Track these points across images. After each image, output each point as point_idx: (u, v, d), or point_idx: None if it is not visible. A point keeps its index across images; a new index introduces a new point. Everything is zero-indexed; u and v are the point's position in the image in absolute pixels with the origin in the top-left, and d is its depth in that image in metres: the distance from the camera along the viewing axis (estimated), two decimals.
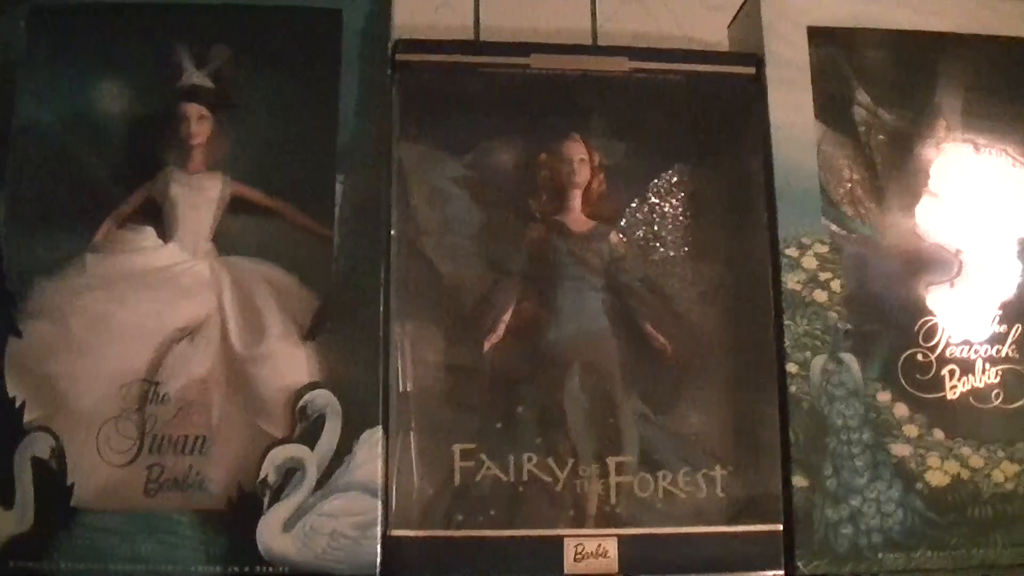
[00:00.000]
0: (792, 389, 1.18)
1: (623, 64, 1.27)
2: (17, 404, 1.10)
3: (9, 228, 1.15)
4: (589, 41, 1.51)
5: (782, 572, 1.16)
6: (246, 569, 1.09)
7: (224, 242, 1.21)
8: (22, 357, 1.12)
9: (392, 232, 1.18)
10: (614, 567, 1.14)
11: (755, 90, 1.27)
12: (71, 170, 1.21)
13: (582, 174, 1.25)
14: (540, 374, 1.20)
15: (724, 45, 1.40)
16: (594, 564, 1.14)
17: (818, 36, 1.29)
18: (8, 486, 1.08)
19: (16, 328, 1.12)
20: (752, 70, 1.28)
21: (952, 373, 1.24)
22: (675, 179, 1.28)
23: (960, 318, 1.26)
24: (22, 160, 1.17)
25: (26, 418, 1.10)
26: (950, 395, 1.23)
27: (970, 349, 1.25)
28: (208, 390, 1.14)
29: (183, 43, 1.23)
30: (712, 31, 1.44)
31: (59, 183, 1.19)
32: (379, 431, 1.12)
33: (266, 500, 1.10)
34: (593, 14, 1.52)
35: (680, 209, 1.27)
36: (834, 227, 1.26)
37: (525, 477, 1.16)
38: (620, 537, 1.15)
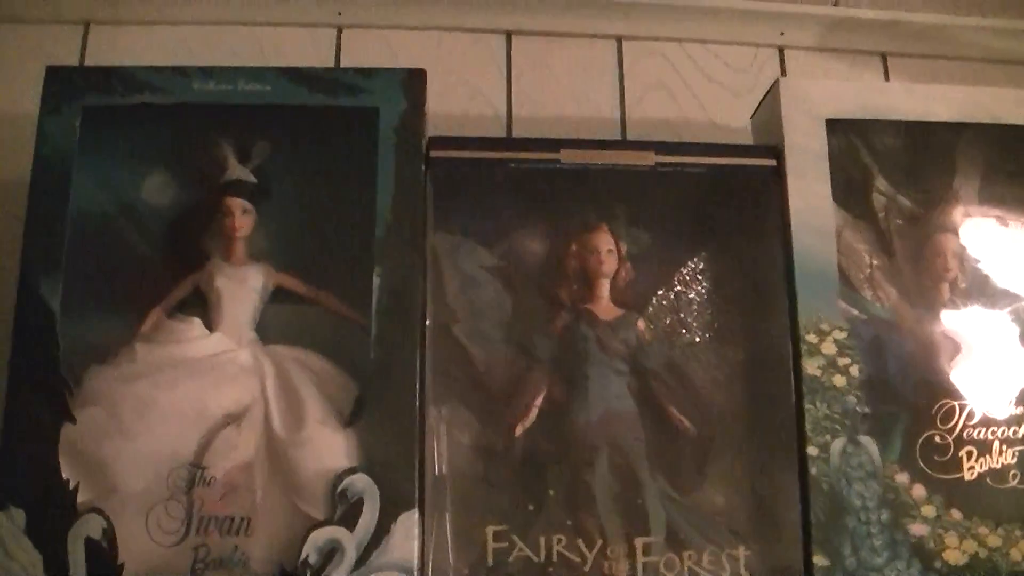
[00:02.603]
0: (813, 471, 1.21)
1: (649, 158, 1.31)
2: (71, 486, 1.14)
3: (65, 315, 1.19)
4: (617, 128, 1.56)
5: None
6: None
7: (266, 331, 1.26)
8: (75, 441, 1.16)
9: (427, 320, 1.22)
10: None
11: (775, 180, 1.31)
12: (121, 259, 1.26)
13: (610, 263, 1.30)
14: (569, 456, 1.23)
15: (747, 132, 1.44)
16: None
17: (836, 126, 1.33)
18: (63, 565, 1.11)
19: (70, 414, 1.16)
20: (772, 161, 1.32)
21: (970, 454, 1.26)
22: (699, 267, 1.32)
23: (978, 400, 1.28)
24: (76, 249, 1.21)
25: (79, 499, 1.14)
26: (968, 476, 1.26)
27: (987, 430, 1.27)
28: (252, 473, 1.18)
29: (227, 139, 1.29)
30: (736, 116, 1.49)
31: (110, 272, 1.25)
32: (415, 513, 1.15)
33: None
34: (622, 102, 1.56)
35: (704, 296, 1.32)
36: (854, 311, 1.30)
37: (555, 558, 1.19)
38: None
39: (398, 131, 1.25)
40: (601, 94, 1.58)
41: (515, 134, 1.53)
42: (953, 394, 1.28)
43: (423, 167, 1.26)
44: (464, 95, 1.54)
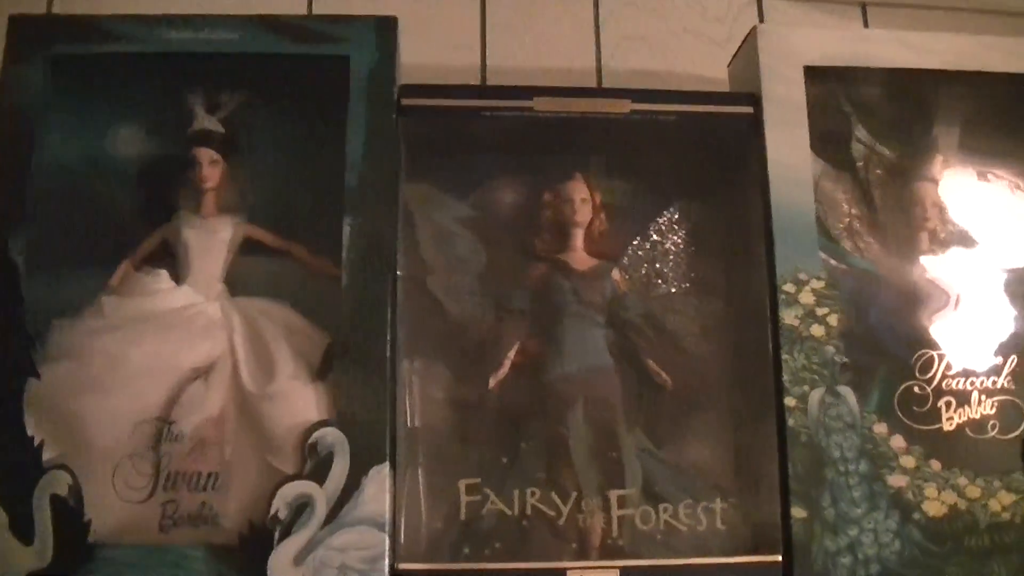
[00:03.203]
0: (790, 422, 1.20)
1: (624, 106, 1.28)
2: (36, 443, 1.12)
3: (30, 270, 1.17)
4: (593, 78, 1.53)
5: None
6: None
7: (236, 283, 1.24)
8: (41, 397, 1.14)
9: (399, 272, 1.20)
10: None
11: (753, 129, 1.29)
12: (89, 213, 1.24)
13: (584, 213, 1.28)
14: (544, 410, 1.22)
15: (725, 81, 1.42)
16: None
17: (815, 74, 1.31)
18: (28, 523, 1.10)
19: (35, 369, 1.15)
20: (750, 109, 1.30)
21: (949, 405, 1.25)
22: (676, 217, 1.31)
23: (957, 350, 1.27)
24: (42, 202, 1.19)
25: (45, 456, 1.12)
26: (947, 426, 1.25)
27: (966, 381, 1.26)
28: (221, 428, 1.17)
29: (195, 89, 1.27)
30: (714, 67, 1.45)
31: (77, 226, 1.23)
32: (386, 467, 1.13)
33: (277, 535, 1.11)
34: (597, 53, 1.54)
35: (681, 246, 1.30)
36: (832, 261, 1.28)
37: (529, 511, 1.18)
38: (622, 569, 1.16)
39: (370, 79, 1.23)
40: (577, 45, 1.56)
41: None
42: (932, 344, 1.27)
43: (395, 116, 1.23)
44: (439, 46, 1.51)
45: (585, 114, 1.29)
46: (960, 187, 1.35)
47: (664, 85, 1.47)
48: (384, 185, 1.21)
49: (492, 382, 1.23)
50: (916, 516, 1.20)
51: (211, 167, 1.25)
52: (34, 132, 1.20)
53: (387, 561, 1.12)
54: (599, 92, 1.45)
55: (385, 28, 1.25)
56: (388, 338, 1.16)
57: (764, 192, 1.26)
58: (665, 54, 1.56)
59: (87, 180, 1.25)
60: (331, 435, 1.14)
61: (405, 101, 1.25)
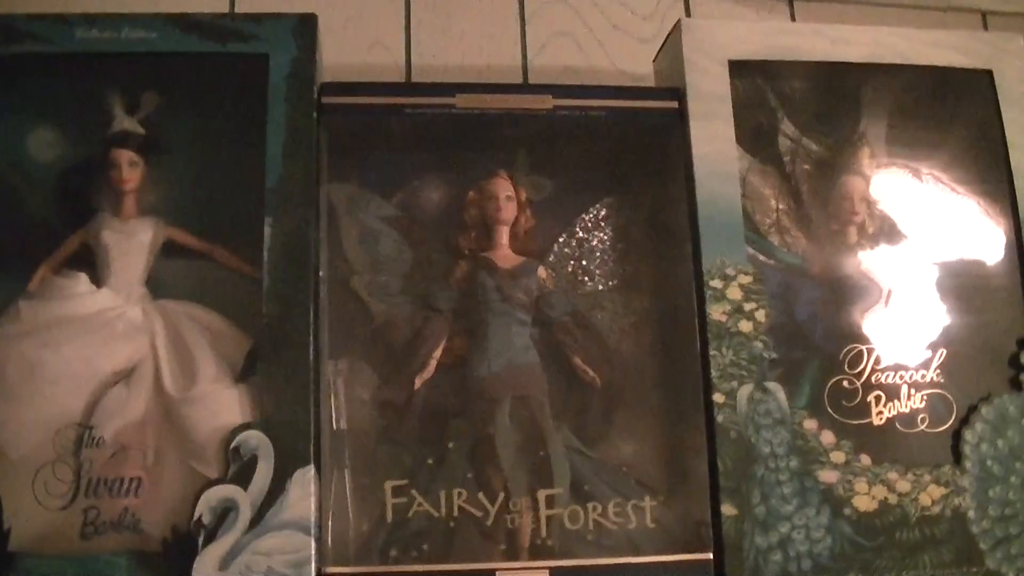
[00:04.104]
0: (719, 419, 1.20)
1: (547, 101, 1.28)
2: None
3: None
4: (520, 76, 1.52)
5: None
6: None
7: (157, 286, 1.22)
8: None
9: (320, 272, 1.19)
10: None
11: (677, 123, 1.29)
12: (6, 216, 1.22)
13: (509, 210, 1.27)
14: (471, 409, 1.21)
15: (651, 78, 1.41)
16: None
17: (740, 68, 1.31)
18: None
19: None
20: (675, 104, 1.30)
21: (878, 399, 1.25)
22: (602, 213, 1.30)
23: (886, 344, 1.28)
24: None
25: None
26: (876, 421, 1.25)
27: (896, 375, 1.27)
28: (143, 433, 1.15)
29: (113, 90, 1.25)
30: (641, 64, 1.45)
31: None
32: (311, 470, 1.12)
33: (201, 540, 1.10)
34: (523, 49, 1.53)
35: (607, 243, 1.29)
36: (760, 256, 1.28)
37: (456, 512, 1.17)
38: (552, 569, 1.15)
39: (289, 79, 1.22)
40: (503, 42, 1.55)
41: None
42: (861, 339, 1.28)
43: (315, 115, 1.22)
44: (362, 44, 1.50)
45: (508, 110, 1.28)
46: (888, 181, 1.35)
47: (591, 82, 1.47)
48: (304, 185, 1.20)
49: (418, 382, 1.22)
50: (847, 511, 1.20)
51: (130, 168, 1.23)
52: None
53: (313, 565, 1.11)
54: (522, 88, 1.44)
55: (305, 26, 1.24)
56: (311, 339, 1.15)
57: (689, 186, 1.26)
58: (592, 51, 1.55)
59: (5, 184, 1.23)
60: (254, 438, 1.12)
61: (326, 99, 1.24)
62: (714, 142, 1.27)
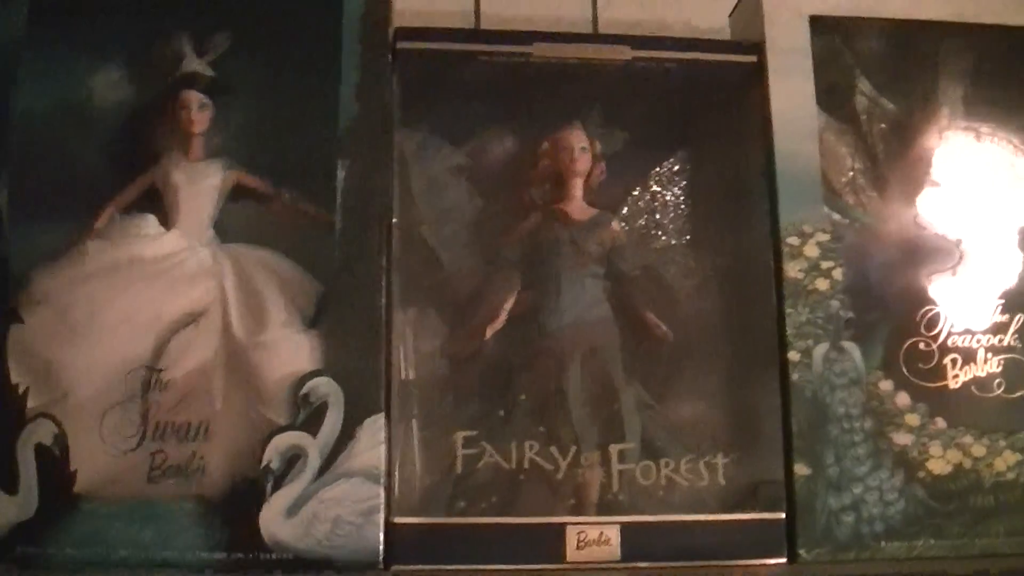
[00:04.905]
0: (794, 377, 1.19)
1: (624, 52, 1.27)
2: (20, 391, 1.10)
3: (12, 215, 1.15)
4: (589, 30, 1.50)
5: (784, 560, 1.17)
6: (249, 556, 1.09)
7: (225, 229, 1.20)
8: (25, 344, 1.12)
9: (394, 220, 1.17)
10: (616, 555, 1.14)
11: (756, 78, 1.28)
12: (73, 158, 1.20)
13: (583, 162, 1.25)
14: (541, 362, 1.20)
15: (725, 33, 1.40)
16: (596, 552, 1.14)
17: (819, 25, 1.29)
18: (12, 473, 1.08)
19: (18, 315, 1.12)
20: (753, 58, 1.28)
21: (954, 362, 1.24)
22: (676, 167, 1.27)
23: (962, 307, 1.26)
24: (24, 147, 1.17)
25: (29, 405, 1.10)
26: (952, 384, 1.23)
27: (972, 338, 1.25)
28: (210, 377, 1.14)
29: (183, 31, 1.23)
30: (713, 19, 1.43)
31: (61, 170, 1.19)
32: (381, 418, 1.12)
33: (268, 487, 1.10)
34: (594, 2, 1.51)
35: (681, 197, 1.27)
36: (835, 216, 1.26)
37: (527, 465, 1.16)
38: (622, 525, 1.15)
39: (363, 20, 1.21)
40: None
41: None
42: (936, 301, 1.26)
43: (389, 58, 1.21)
44: None
45: (584, 61, 1.27)
46: (965, 142, 1.32)
47: (662, 35, 1.43)
48: (378, 129, 1.19)
49: (488, 333, 1.20)
50: (920, 474, 1.19)
51: (200, 111, 1.21)
52: (14, 75, 1.18)
53: (382, 514, 1.10)
54: (599, 39, 1.42)
55: None
56: (383, 286, 1.15)
57: (767, 142, 1.25)
58: (663, 4, 1.52)
59: (71, 123, 1.21)
60: (324, 385, 1.12)
61: (400, 44, 1.23)
62: (793, 98, 1.26)
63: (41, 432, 1.10)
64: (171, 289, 1.16)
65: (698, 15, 1.51)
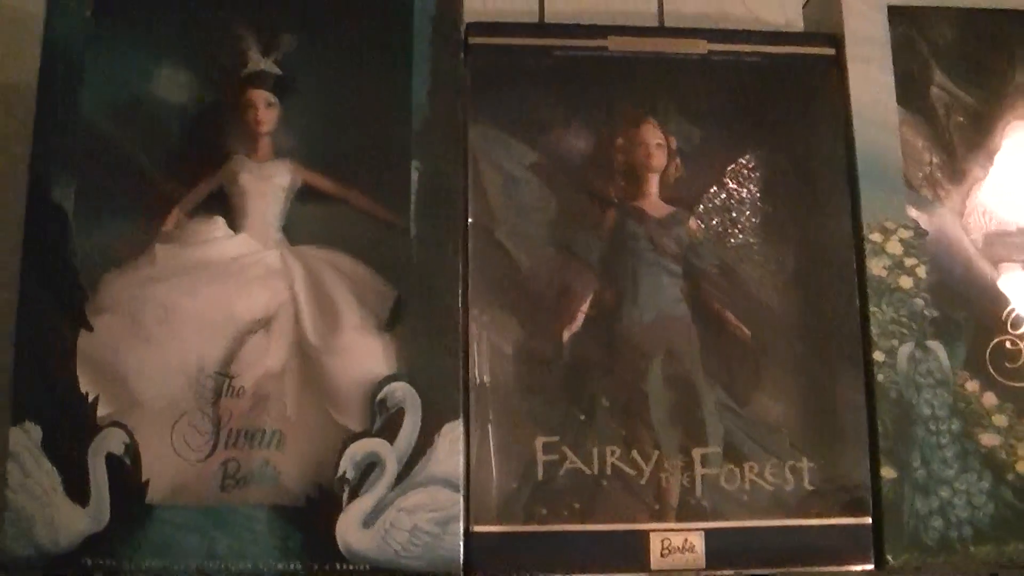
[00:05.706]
0: (879, 378, 1.16)
1: (700, 46, 1.25)
2: (90, 400, 1.08)
3: (79, 219, 1.13)
4: (655, 20, 1.49)
5: (871, 565, 1.14)
6: (325, 566, 1.07)
7: (294, 231, 1.18)
8: (93, 351, 1.10)
9: (470, 220, 1.16)
10: (701, 562, 1.12)
11: (834, 71, 1.26)
12: (139, 160, 1.18)
13: (659, 158, 1.23)
14: (621, 364, 1.17)
15: (795, 26, 1.38)
16: (680, 559, 1.12)
17: (895, 16, 1.27)
18: (83, 483, 1.06)
19: (87, 322, 1.10)
20: (831, 50, 1.26)
21: None
22: (752, 164, 1.25)
23: None
24: (90, 149, 1.15)
25: (99, 413, 1.08)
26: None
27: None
28: (283, 383, 1.12)
29: (249, 29, 1.21)
30: (782, 12, 1.42)
31: (127, 172, 1.17)
32: (460, 424, 1.10)
33: (345, 496, 1.08)
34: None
35: (757, 194, 1.25)
36: (915, 211, 1.23)
37: (609, 470, 1.14)
38: (707, 531, 1.13)
39: (435, 17, 1.19)
40: None
41: None
42: (1021, 299, 1.23)
43: (461, 55, 1.19)
44: None
45: (660, 54, 1.25)
46: None
47: (731, 27, 1.42)
48: (451, 128, 1.17)
49: (566, 335, 1.18)
50: (1009, 477, 1.17)
51: (268, 110, 1.19)
52: (79, 75, 1.17)
53: (461, 523, 1.08)
54: (674, 32, 1.39)
55: None
56: (460, 289, 1.13)
57: (847, 136, 1.23)
58: None
59: (136, 125, 1.19)
60: (401, 390, 1.10)
61: (472, 40, 1.21)
62: (873, 90, 1.24)
63: (112, 442, 1.08)
64: (241, 293, 1.14)
65: (766, 8, 1.49)
